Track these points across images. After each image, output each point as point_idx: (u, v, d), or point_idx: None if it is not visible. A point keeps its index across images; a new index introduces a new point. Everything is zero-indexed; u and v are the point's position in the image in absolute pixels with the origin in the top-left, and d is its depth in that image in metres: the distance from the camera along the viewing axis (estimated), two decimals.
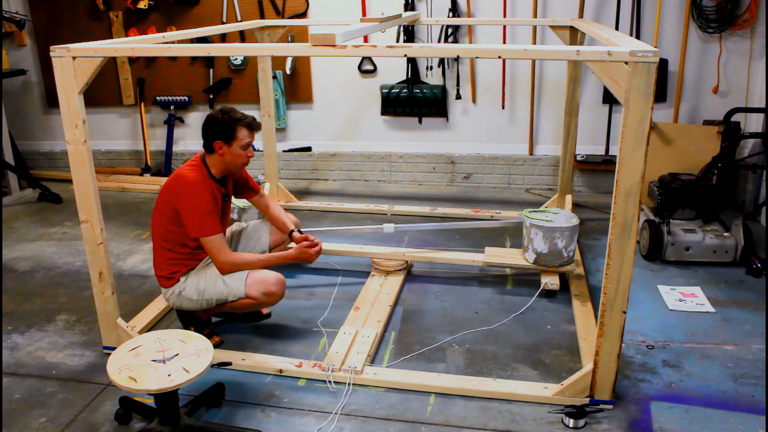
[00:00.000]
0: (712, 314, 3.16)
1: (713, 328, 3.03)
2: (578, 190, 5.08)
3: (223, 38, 5.08)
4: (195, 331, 2.73)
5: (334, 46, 2.23)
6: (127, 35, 5.35)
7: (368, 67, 5.16)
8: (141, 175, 5.60)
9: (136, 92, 5.55)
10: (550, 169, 5.09)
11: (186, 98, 5.45)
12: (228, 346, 2.91)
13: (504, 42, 4.85)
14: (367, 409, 2.48)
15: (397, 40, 4.91)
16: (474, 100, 5.09)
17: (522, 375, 2.68)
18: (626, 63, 2.00)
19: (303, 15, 5.09)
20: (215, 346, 2.63)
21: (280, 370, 2.69)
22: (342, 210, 4.69)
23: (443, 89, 5.05)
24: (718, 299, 3.30)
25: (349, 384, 2.60)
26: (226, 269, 2.72)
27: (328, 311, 3.22)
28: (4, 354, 2.91)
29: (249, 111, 2.91)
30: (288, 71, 5.20)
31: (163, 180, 5.32)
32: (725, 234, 3.70)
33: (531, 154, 5.14)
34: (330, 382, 2.62)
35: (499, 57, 2.26)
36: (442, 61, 5.00)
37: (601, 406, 2.43)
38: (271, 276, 2.74)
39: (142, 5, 5.18)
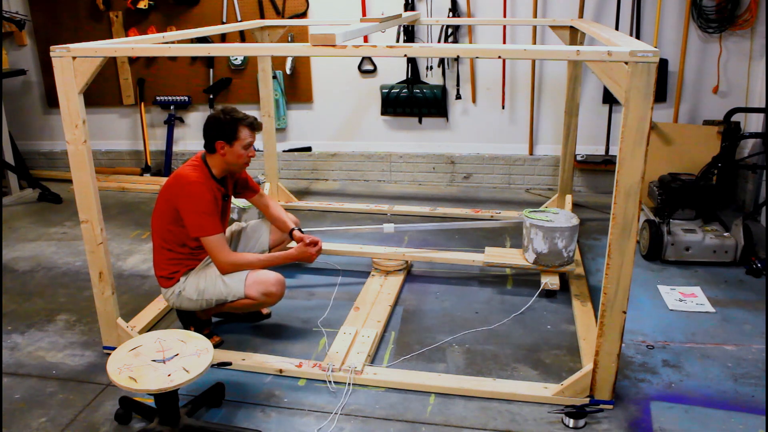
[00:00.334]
0: (712, 314, 3.16)
1: (713, 328, 3.03)
2: (578, 190, 5.08)
3: (223, 38, 5.08)
4: (195, 331, 2.73)
5: (334, 46, 2.23)
6: (127, 35, 5.35)
7: (368, 67, 5.16)
8: (141, 175, 5.60)
9: (136, 92, 5.55)
10: (550, 169, 5.09)
11: (186, 98, 5.45)
12: (228, 346, 2.91)
13: (504, 42, 4.85)
14: (367, 409, 2.48)
15: (397, 40, 4.91)
16: (474, 100, 5.09)
17: (522, 375, 2.68)
18: (626, 63, 2.00)
19: (303, 15, 5.09)
20: (215, 346, 2.63)
21: (280, 370, 2.69)
22: (342, 210, 4.69)
23: (443, 89, 5.05)
24: (718, 299, 3.30)
25: (349, 384, 2.60)
26: (226, 269, 2.72)
27: (328, 311, 3.22)
28: (4, 354, 2.91)
29: (249, 111, 2.91)
30: (288, 71, 5.20)
31: (163, 180, 5.32)
32: (725, 234, 3.70)
33: (531, 154, 5.14)
34: (330, 382, 2.62)
35: (499, 57, 2.26)
36: (442, 61, 5.00)
37: (601, 406, 2.43)
38: (271, 276, 2.74)
39: (142, 5, 5.18)
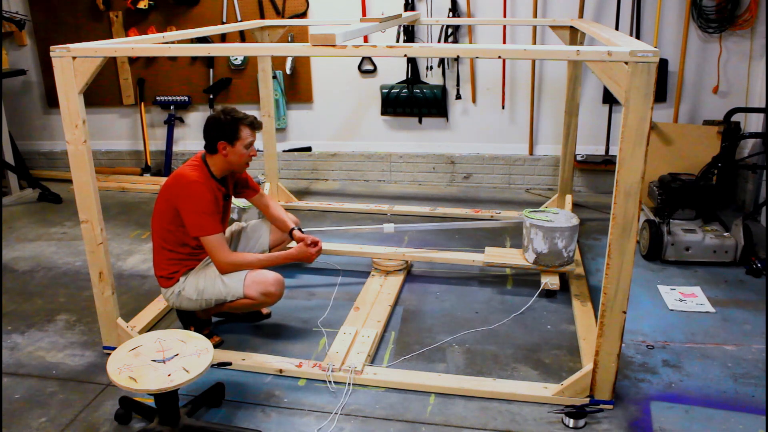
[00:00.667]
0: (712, 314, 3.16)
1: (713, 328, 3.03)
2: (578, 190, 5.08)
3: (223, 38, 5.08)
4: (195, 331, 2.73)
5: (334, 46, 2.23)
6: (127, 35, 5.35)
7: (368, 67, 5.16)
8: (141, 175, 5.60)
9: (136, 92, 5.55)
10: (550, 169, 5.09)
11: (186, 98, 5.45)
12: (228, 346, 2.91)
13: (504, 42, 4.85)
14: (367, 409, 2.48)
15: (397, 40, 4.91)
16: (474, 100, 5.09)
17: (522, 375, 2.68)
18: (626, 63, 2.00)
19: (303, 15, 5.09)
20: (215, 346, 2.63)
21: (280, 370, 2.69)
22: (342, 210, 4.69)
23: (443, 89, 5.05)
24: (718, 299, 3.30)
25: (349, 384, 2.60)
26: (225, 269, 2.72)
27: (328, 311, 3.22)
28: (4, 354, 2.91)
29: (249, 111, 2.91)
30: (288, 71, 5.20)
31: (163, 180, 5.32)
32: (725, 234, 3.70)
33: (531, 154, 5.14)
34: (330, 382, 2.62)
35: (499, 57, 2.26)
36: (442, 61, 5.00)
37: (601, 406, 2.43)
38: (270, 276, 2.74)
39: (142, 5, 5.18)
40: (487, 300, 3.34)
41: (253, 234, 3.18)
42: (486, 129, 5.15)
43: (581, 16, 4.66)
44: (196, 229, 2.65)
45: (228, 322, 3.12)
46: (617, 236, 2.18)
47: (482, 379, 2.62)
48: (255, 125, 2.75)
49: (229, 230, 3.14)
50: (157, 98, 5.49)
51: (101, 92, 5.48)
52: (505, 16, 4.80)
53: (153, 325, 3.11)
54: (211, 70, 5.35)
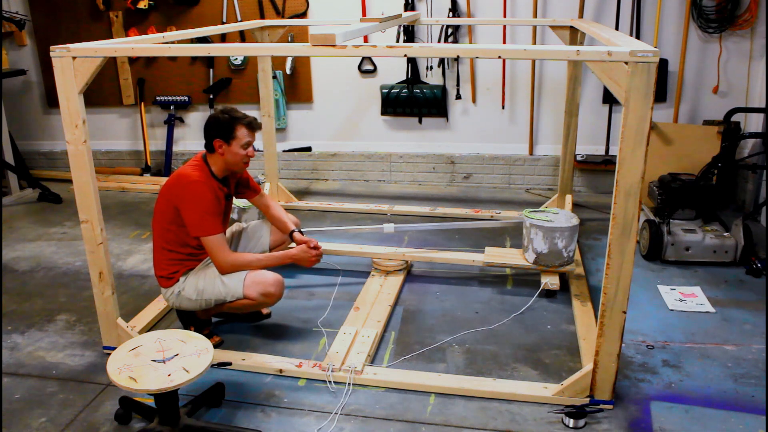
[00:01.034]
0: (712, 314, 3.16)
1: (713, 328, 3.03)
2: (578, 190, 5.08)
3: (223, 38, 5.08)
4: (195, 331, 2.73)
5: (334, 46, 2.23)
6: (127, 35, 5.35)
7: (368, 67, 5.16)
8: (141, 175, 5.60)
9: (136, 92, 5.55)
10: (550, 169, 5.09)
11: (186, 98, 5.45)
12: (228, 346, 2.91)
13: (504, 42, 4.85)
14: (367, 409, 2.48)
15: (397, 40, 4.91)
16: (474, 100, 5.09)
17: (522, 375, 2.68)
18: (626, 63, 2.00)
19: (303, 15, 5.09)
20: (215, 346, 2.63)
21: (280, 370, 2.69)
22: (342, 210, 4.69)
23: (443, 89, 5.05)
24: (718, 299, 3.30)
25: (349, 384, 2.60)
26: (225, 269, 2.72)
27: (328, 311, 3.22)
28: (4, 354, 2.91)
29: (249, 111, 2.91)
30: (288, 71, 5.20)
31: (164, 180, 5.32)
32: (725, 234, 3.70)
33: (531, 154, 5.14)
34: (330, 382, 2.62)
35: (499, 57, 2.26)
36: (442, 61, 5.00)
37: (601, 406, 2.43)
38: (270, 277, 2.74)
39: (142, 5, 5.18)
40: (487, 300, 3.34)
41: (254, 234, 3.18)
42: (486, 129, 5.15)
43: (581, 16, 4.66)
44: (196, 229, 2.65)
45: (228, 322, 3.12)
46: (617, 236, 2.18)
47: (482, 379, 2.62)
48: (253, 125, 2.74)
49: (229, 231, 3.14)
50: (157, 98, 5.49)
51: (101, 92, 5.48)
52: (505, 16, 4.80)
53: (153, 325, 3.11)
54: (211, 70, 5.36)
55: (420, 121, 5.22)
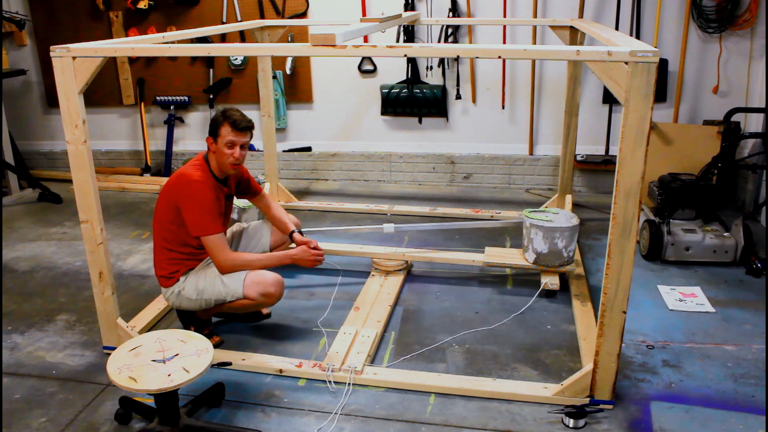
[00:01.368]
0: (712, 314, 3.16)
1: (713, 328, 3.03)
2: (578, 190, 5.08)
3: (223, 38, 5.08)
4: (195, 331, 2.73)
5: (334, 46, 2.23)
6: (127, 35, 5.35)
7: (368, 67, 5.16)
8: (141, 175, 5.60)
9: (136, 92, 5.55)
10: (550, 169, 5.09)
11: (186, 98, 5.45)
12: (228, 346, 2.91)
13: (504, 42, 4.85)
14: (367, 409, 2.48)
15: (397, 40, 4.91)
16: (474, 100, 5.09)
17: (522, 375, 2.68)
18: (626, 63, 2.00)
19: (303, 15, 5.09)
20: (215, 346, 2.63)
21: (280, 370, 2.69)
22: (342, 210, 4.69)
23: (443, 89, 5.05)
24: (718, 299, 3.30)
25: (349, 384, 2.60)
26: (225, 269, 2.72)
27: (328, 311, 3.22)
28: (4, 354, 2.91)
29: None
30: (288, 71, 5.20)
31: (163, 180, 5.33)
32: (725, 234, 3.70)
33: (531, 154, 5.14)
34: (330, 382, 2.62)
35: (499, 57, 2.26)
36: (442, 61, 5.00)
37: (601, 406, 2.43)
38: (269, 277, 2.74)
39: (142, 5, 5.18)
40: (487, 300, 3.34)
41: (254, 235, 3.18)
42: (486, 129, 5.15)
43: (581, 16, 4.66)
44: (197, 228, 2.65)
45: (228, 322, 3.12)
46: (617, 236, 2.18)
47: (482, 379, 2.62)
48: (237, 124, 2.66)
49: (230, 231, 3.14)
50: (157, 98, 5.49)
51: (101, 92, 5.48)
52: (505, 16, 4.80)
53: (153, 325, 3.11)
54: (211, 70, 5.36)
55: (420, 121, 5.22)
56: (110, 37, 5.32)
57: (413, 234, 4.20)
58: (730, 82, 4.64)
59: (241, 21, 5.10)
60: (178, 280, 2.77)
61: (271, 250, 3.16)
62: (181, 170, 2.73)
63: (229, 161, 2.70)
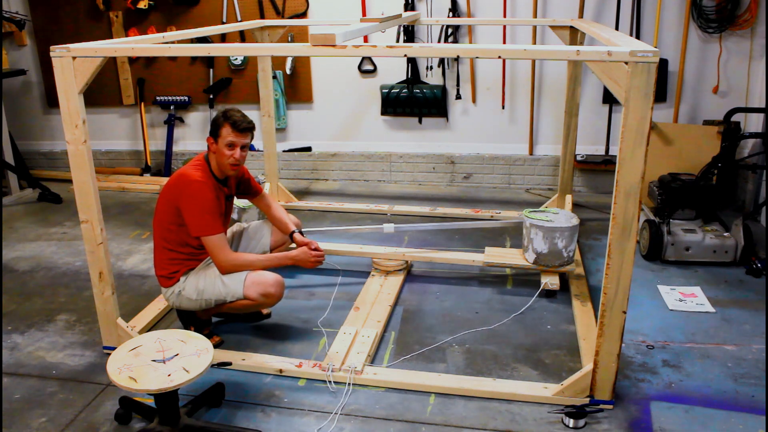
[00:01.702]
0: (712, 314, 3.16)
1: (713, 328, 3.03)
2: (578, 190, 5.08)
3: (223, 38, 5.08)
4: (195, 331, 2.73)
5: (334, 46, 2.23)
6: (127, 35, 5.35)
7: (368, 67, 5.16)
8: (141, 175, 5.60)
9: (136, 92, 5.55)
10: (550, 169, 5.09)
11: (186, 98, 5.45)
12: (228, 346, 2.91)
13: (504, 42, 4.85)
14: (367, 409, 2.48)
15: (397, 40, 4.91)
16: (474, 100, 5.09)
17: (522, 375, 2.68)
18: (626, 63, 2.00)
19: (303, 15, 5.10)
20: (215, 346, 2.63)
21: (280, 370, 2.69)
22: (342, 210, 4.69)
23: (443, 89, 5.05)
24: (718, 299, 3.30)
25: (349, 384, 2.60)
26: (226, 269, 2.72)
27: (328, 311, 3.22)
28: (4, 354, 2.91)
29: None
30: (288, 71, 5.20)
31: (163, 180, 5.34)
32: (725, 234, 3.70)
33: (531, 154, 5.14)
34: (330, 382, 2.62)
35: (499, 57, 2.26)
36: (442, 61, 5.00)
37: (601, 406, 2.43)
38: (270, 277, 2.74)
39: (142, 5, 5.18)
40: (487, 300, 3.34)
41: (255, 235, 3.18)
42: (486, 129, 5.15)
43: (581, 16, 4.66)
44: (197, 228, 2.65)
45: (228, 322, 3.12)
46: (617, 236, 2.18)
47: (482, 379, 2.62)
48: (237, 125, 2.66)
49: (230, 231, 3.14)
50: (157, 98, 5.49)
51: (101, 92, 5.48)
52: (505, 16, 4.80)
53: (153, 325, 3.11)
54: (211, 70, 5.36)
55: (420, 121, 5.22)
56: (110, 37, 5.32)
57: (413, 234, 4.20)
58: (730, 82, 4.64)
59: (241, 21, 5.10)
60: (178, 280, 2.77)
61: (272, 250, 3.16)
62: (182, 170, 2.73)
63: (229, 162, 2.70)
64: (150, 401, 2.39)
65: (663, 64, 4.65)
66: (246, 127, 2.70)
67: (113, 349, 2.38)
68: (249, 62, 5.25)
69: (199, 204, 2.63)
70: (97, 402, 2.55)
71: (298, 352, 2.86)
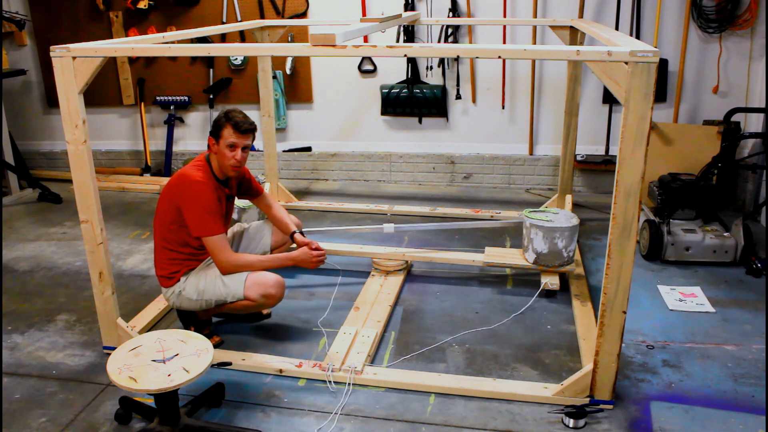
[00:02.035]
0: (712, 314, 3.16)
1: (713, 328, 3.03)
2: (578, 190, 5.08)
3: (223, 38, 5.08)
4: (195, 331, 2.73)
5: (334, 46, 2.23)
6: (127, 35, 5.35)
7: (368, 67, 5.16)
8: (141, 175, 5.60)
9: (136, 92, 5.55)
10: (550, 169, 5.09)
11: (186, 98, 5.45)
12: (228, 346, 2.91)
13: (504, 42, 4.85)
14: (367, 409, 2.48)
15: (397, 40, 4.91)
16: (474, 100, 5.09)
17: (522, 375, 2.68)
18: (626, 63, 2.01)
19: (303, 15, 5.09)
20: (215, 346, 2.63)
21: (280, 370, 2.69)
22: (342, 210, 4.69)
23: (443, 89, 5.05)
24: (718, 299, 3.30)
25: (349, 384, 2.60)
26: (227, 269, 2.72)
27: (328, 311, 3.22)
28: (4, 354, 2.91)
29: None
30: (288, 71, 5.20)
31: (164, 180, 5.34)
32: (725, 234, 3.70)
33: (531, 154, 5.14)
34: (330, 382, 2.62)
35: (499, 57, 2.26)
36: (442, 61, 5.00)
37: (601, 406, 2.43)
38: (270, 278, 2.74)
39: (142, 5, 5.18)
40: (487, 300, 3.34)
41: (255, 235, 3.18)
42: (486, 129, 5.15)
43: (581, 16, 4.66)
44: (198, 229, 2.64)
45: (228, 322, 3.12)
46: (617, 236, 2.18)
47: (482, 379, 2.62)
48: (239, 126, 2.66)
49: (230, 231, 3.14)
50: (157, 98, 5.49)
51: (101, 92, 5.48)
52: (505, 16, 4.80)
53: (153, 325, 3.11)
54: (211, 70, 5.35)
55: (420, 121, 5.22)
56: (110, 37, 5.32)
57: (413, 234, 4.20)
58: (730, 82, 4.64)
59: (241, 21, 5.10)
60: (178, 280, 2.77)
61: (272, 250, 3.16)
62: (183, 171, 2.73)
63: (230, 163, 2.70)
64: (150, 401, 2.39)
65: (663, 64, 4.65)
66: (248, 129, 2.70)
67: (113, 349, 2.38)
68: (249, 62, 5.25)
69: (200, 204, 2.63)
70: (97, 402, 2.55)
71: (298, 352, 2.86)
